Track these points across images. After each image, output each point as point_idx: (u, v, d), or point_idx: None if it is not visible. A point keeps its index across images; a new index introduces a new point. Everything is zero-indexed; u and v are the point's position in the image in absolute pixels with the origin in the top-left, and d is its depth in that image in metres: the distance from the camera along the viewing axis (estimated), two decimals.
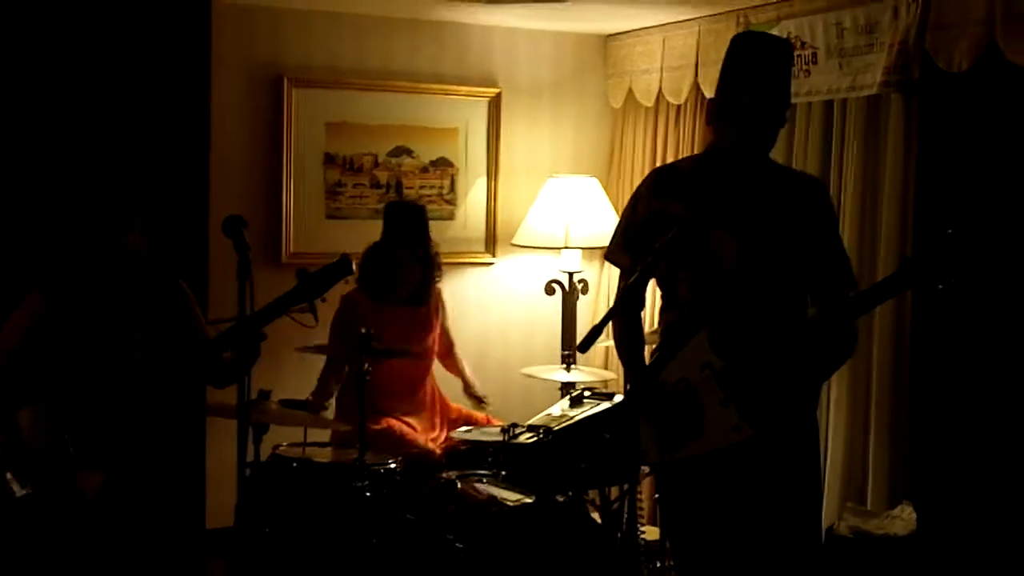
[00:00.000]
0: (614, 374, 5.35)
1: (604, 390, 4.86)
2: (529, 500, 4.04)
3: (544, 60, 5.86)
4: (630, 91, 5.73)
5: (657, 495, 4.40)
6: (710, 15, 5.10)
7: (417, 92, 5.58)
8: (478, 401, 4.98)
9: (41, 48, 4.37)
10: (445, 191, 5.70)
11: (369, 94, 5.51)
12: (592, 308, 5.86)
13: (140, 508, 3.59)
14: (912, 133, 4.21)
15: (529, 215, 5.56)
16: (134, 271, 3.68)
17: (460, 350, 5.06)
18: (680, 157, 5.15)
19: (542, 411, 4.58)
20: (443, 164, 5.69)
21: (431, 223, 4.87)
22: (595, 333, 2.90)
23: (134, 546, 3.56)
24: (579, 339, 3.43)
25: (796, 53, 4.29)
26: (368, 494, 4.04)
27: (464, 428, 4.63)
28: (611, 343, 3.37)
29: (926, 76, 4.07)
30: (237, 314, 3.11)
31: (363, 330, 4.22)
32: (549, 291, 5.60)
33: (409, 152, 5.62)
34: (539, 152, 5.87)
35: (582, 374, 5.05)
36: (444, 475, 4.30)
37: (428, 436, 4.72)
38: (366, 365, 4.17)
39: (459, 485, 4.18)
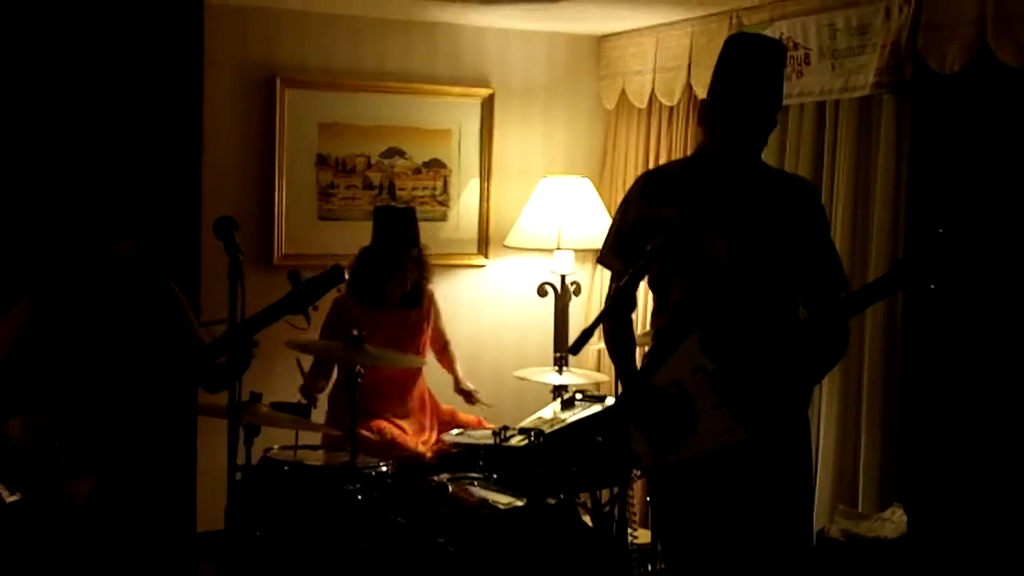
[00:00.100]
0: (606, 376, 5.34)
1: (596, 393, 4.86)
2: (520, 503, 4.03)
3: (537, 61, 5.85)
4: (623, 92, 5.72)
5: (649, 498, 4.39)
6: (703, 16, 5.09)
7: (410, 93, 5.57)
8: (468, 396, 4.96)
9: (31, 49, 4.34)
10: (438, 192, 5.69)
11: (362, 95, 5.50)
12: (584, 310, 5.85)
13: (130, 514, 3.58)
14: (904, 134, 4.21)
15: (522, 217, 5.55)
16: (124, 278, 3.67)
17: (455, 348, 5.06)
18: (673, 159, 5.16)
19: (534, 414, 4.58)
20: (436, 165, 5.68)
21: (423, 224, 4.86)
22: (586, 336, 2.89)
23: (124, 551, 3.55)
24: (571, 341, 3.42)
25: (789, 54, 4.29)
26: (359, 497, 4.04)
27: (456, 431, 4.62)
28: (603, 346, 3.36)
29: (918, 77, 4.07)
30: (228, 315, 3.11)
31: (355, 332, 4.22)
32: (542, 293, 5.60)
33: (402, 153, 5.61)
34: (532, 153, 5.86)
35: (574, 376, 5.03)
36: (435, 478, 4.29)
37: (419, 438, 4.71)
38: (358, 367, 4.16)
39: (450, 488, 4.17)
